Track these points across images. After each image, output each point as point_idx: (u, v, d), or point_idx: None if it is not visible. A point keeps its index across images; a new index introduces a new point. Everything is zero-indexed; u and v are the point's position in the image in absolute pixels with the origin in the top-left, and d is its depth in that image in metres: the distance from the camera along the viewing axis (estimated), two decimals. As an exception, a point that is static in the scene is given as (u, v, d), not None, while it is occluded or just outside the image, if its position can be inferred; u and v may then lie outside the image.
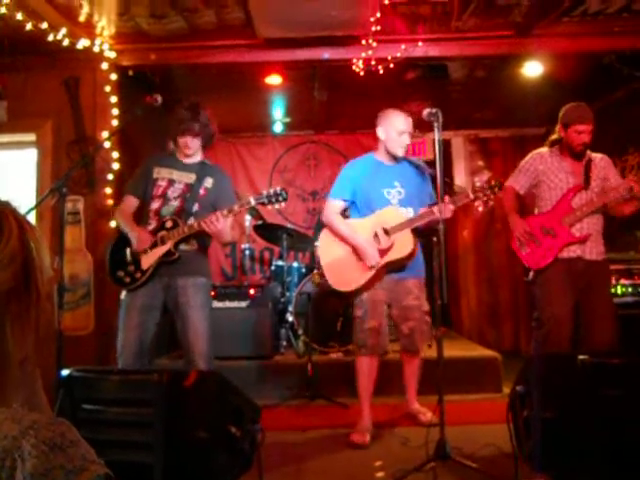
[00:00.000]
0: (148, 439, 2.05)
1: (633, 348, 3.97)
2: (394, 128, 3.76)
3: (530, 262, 3.84)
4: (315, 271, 5.42)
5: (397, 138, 3.76)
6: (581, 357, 2.28)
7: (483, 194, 3.56)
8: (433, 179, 3.83)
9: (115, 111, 4.79)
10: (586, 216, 3.74)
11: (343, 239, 3.78)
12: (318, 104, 6.17)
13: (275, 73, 5.25)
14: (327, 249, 3.87)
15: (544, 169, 3.88)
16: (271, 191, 3.35)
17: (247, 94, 5.92)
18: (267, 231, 6.02)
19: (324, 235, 3.91)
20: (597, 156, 3.89)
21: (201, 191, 3.51)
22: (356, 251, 3.74)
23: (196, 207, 3.48)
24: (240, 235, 6.93)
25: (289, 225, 6.16)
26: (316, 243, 5.34)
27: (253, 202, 3.34)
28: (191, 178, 3.53)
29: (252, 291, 5.25)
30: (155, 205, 3.47)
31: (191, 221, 3.39)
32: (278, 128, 7.16)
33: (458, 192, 3.69)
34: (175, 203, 3.46)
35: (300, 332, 5.27)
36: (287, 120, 6.99)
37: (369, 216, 3.75)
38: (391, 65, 4.78)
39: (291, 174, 7.42)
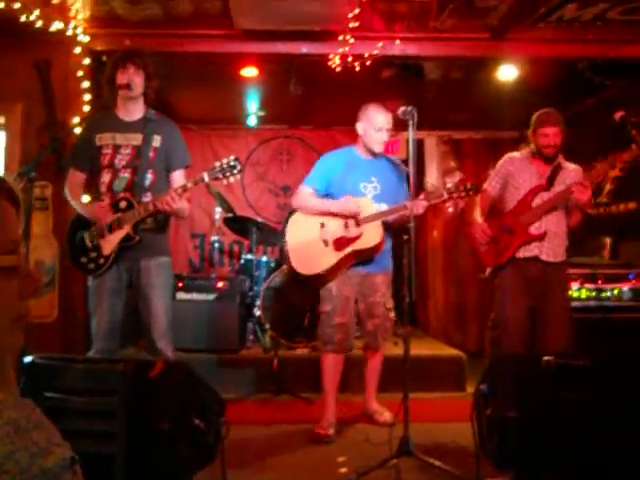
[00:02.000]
0: (111, 429, 2.02)
1: (595, 352, 4.03)
2: (373, 125, 3.76)
3: (487, 260, 3.89)
4: (284, 266, 5.40)
5: (375, 134, 3.76)
6: (545, 358, 2.31)
7: (457, 195, 3.57)
8: (408, 178, 3.85)
9: (87, 96, 4.70)
10: (544, 214, 3.77)
11: (319, 212, 3.76)
12: (293, 98, 6.13)
13: (251, 65, 5.21)
14: (294, 233, 3.85)
15: (512, 170, 3.91)
16: (223, 162, 3.21)
17: (222, 85, 5.87)
18: (237, 224, 5.99)
19: (292, 220, 3.89)
20: (570, 165, 3.91)
21: (150, 153, 3.34)
22: (322, 237, 3.72)
23: (149, 175, 3.34)
24: (210, 227, 6.90)
25: (259, 219, 6.13)
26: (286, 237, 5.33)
27: (207, 178, 3.20)
28: (137, 139, 3.34)
29: (220, 284, 5.21)
30: (105, 178, 3.32)
31: (146, 199, 3.27)
32: (252, 121, 7.12)
33: (432, 191, 3.71)
34: (126, 175, 3.31)
35: (267, 327, 5.25)
36: (261, 114, 6.94)
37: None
38: (367, 62, 4.78)
39: (263, 168, 7.39)
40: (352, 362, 4.13)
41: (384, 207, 3.74)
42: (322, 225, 3.76)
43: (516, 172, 3.90)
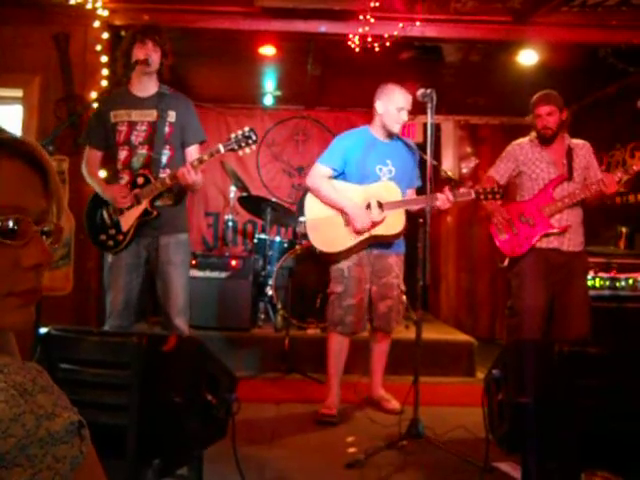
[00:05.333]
0: (124, 401, 2.03)
1: (608, 341, 4.02)
2: (394, 103, 3.69)
3: (506, 249, 3.84)
4: (297, 247, 5.41)
5: (395, 114, 3.69)
6: (559, 345, 2.30)
7: (484, 197, 3.58)
8: (420, 161, 3.83)
9: (105, 71, 4.69)
10: (567, 207, 3.74)
11: (330, 204, 3.70)
12: (310, 79, 6.11)
13: (270, 44, 5.17)
14: (314, 208, 3.77)
15: (524, 159, 3.86)
16: (239, 133, 3.22)
17: (240, 64, 5.84)
18: (251, 203, 5.98)
19: (310, 196, 3.82)
20: (578, 143, 3.86)
21: (166, 129, 3.34)
22: (344, 214, 3.67)
23: (167, 151, 3.35)
24: (224, 206, 6.90)
25: (274, 199, 6.13)
26: (300, 219, 5.33)
27: (222, 149, 3.22)
28: (152, 115, 3.34)
29: (233, 262, 5.23)
30: (121, 155, 3.33)
31: (163, 175, 3.28)
32: (268, 101, 7.09)
33: (462, 192, 3.62)
34: (143, 151, 3.31)
35: (279, 306, 5.26)
36: (278, 93, 6.92)
37: (364, 185, 3.69)
38: (387, 44, 4.74)
39: (279, 148, 7.37)
40: (359, 344, 4.05)
41: (400, 189, 3.70)
42: None
43: (529, 161, 3.84)
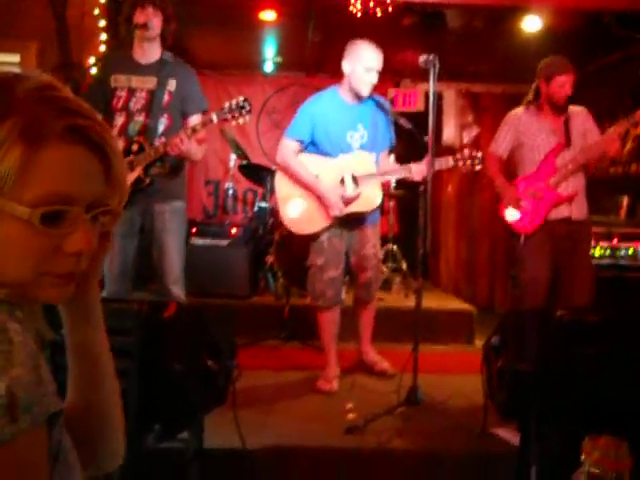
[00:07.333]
0: (124, 367, 2.04)
1: (606, 309, 4.03)
2: (361, 63, 3.45)
3: (520, 227, 3.77)
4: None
5: (363, 75, 3.45)
6: (559, 313, 2.31)
7: (463, 163, 3.51)
8: (398, 126, 3.70)
9: (104, 36, 4.63)
10: (571, 174, 3.71)
11: (302, 184, 3.58)
12: (311, 45, 6.04)
13: (270, 8, 5.10)
14: (283, 187, 3.67)
15: (524, 130, 3.79)
16: (233, 103, 3.18)
17: (240, 29, 5.76)
18: (252, 171, 5.94)
19: (280, 174, 3.70)
20: (576, 110, 3.81)
21: (165, 97, 3.30)
22: (316, 197, 3.55)
23: (164, 120, 3.31)
24: (224, 174, 6.87)
25: (274, 167, 6.09)
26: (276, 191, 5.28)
27: (215, 119, 3.19)
28: (152, 82, 3.30)
29: (234, 230, 5.23)
30: (119, 121, 3.30)
31: (157, 142, 3.24)
32: (269, 68, 7.01)
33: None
34: (140, 119, 3.28)
35: (279, 274, 5.26)
36: (278, 60, 6.84)
37: (336, 157, 3.55)
38: (389, 9, 4.66)
39: (279, 116, 7.29)
40: (344, 312, 3.89)
41: (373, 156, 3.59)
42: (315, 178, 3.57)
43: (528, 132, 3.78)
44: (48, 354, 0.85)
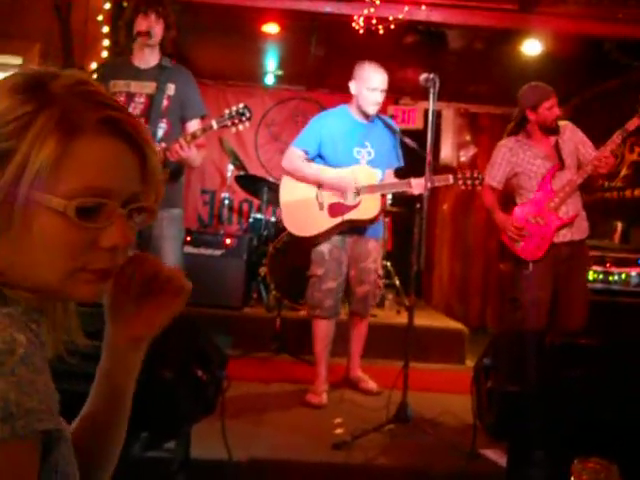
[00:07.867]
0: (114, 373, 2.03)
1: (599, 333, 4.03)
2: (366, 84, 3.59)
3: (527, 254, 3.70)
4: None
5: (368, 95, 3.60)
6: (550, 336, 2.32)
7: (463, 182, 3.56)
8: (401, 142, 3.78)
9: (106, 42, 4.64)
10: (569, 197, 3.70)
11: (312, 181, 3.66)
12: (313, 60, 6.07)
13: (273, 21, 5.13)
14: (289, 191, 3.73)
15: (517, 160, 3.74)
16: (233, 109, 3.20)
17: (242, 41, 5.79)
18: (248, 182, 5.96)
19: (286, 179, 3.77)
20: (561, 125, 3.77)
21: (164, 102, 3.30)
22: (318, 200, 3.63)
23: (163, 125, 3.30)
24: (221, 184, 6.88)
25: (271, 179, 6.10)
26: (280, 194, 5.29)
27: (215, 125, 3.20)
28: (151, 87, 3.30)
29: (228, 240, 5.21)
30: None
31: (156, 148, 3.25)
32: (270, 80, 7.05)
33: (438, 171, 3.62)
34: None
35: (272, 286, 5.26)
36: (279, 73, 6.87)
37: (342, 168, 3.63)
38: (392, 26, 4.70)
39: (278, 128, 7.33)
40: (337, 326, 3.90)
41: (378, 172, 3.67)
42: (319, 186, 3.67)
43: (522, 161, 3.73)
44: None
